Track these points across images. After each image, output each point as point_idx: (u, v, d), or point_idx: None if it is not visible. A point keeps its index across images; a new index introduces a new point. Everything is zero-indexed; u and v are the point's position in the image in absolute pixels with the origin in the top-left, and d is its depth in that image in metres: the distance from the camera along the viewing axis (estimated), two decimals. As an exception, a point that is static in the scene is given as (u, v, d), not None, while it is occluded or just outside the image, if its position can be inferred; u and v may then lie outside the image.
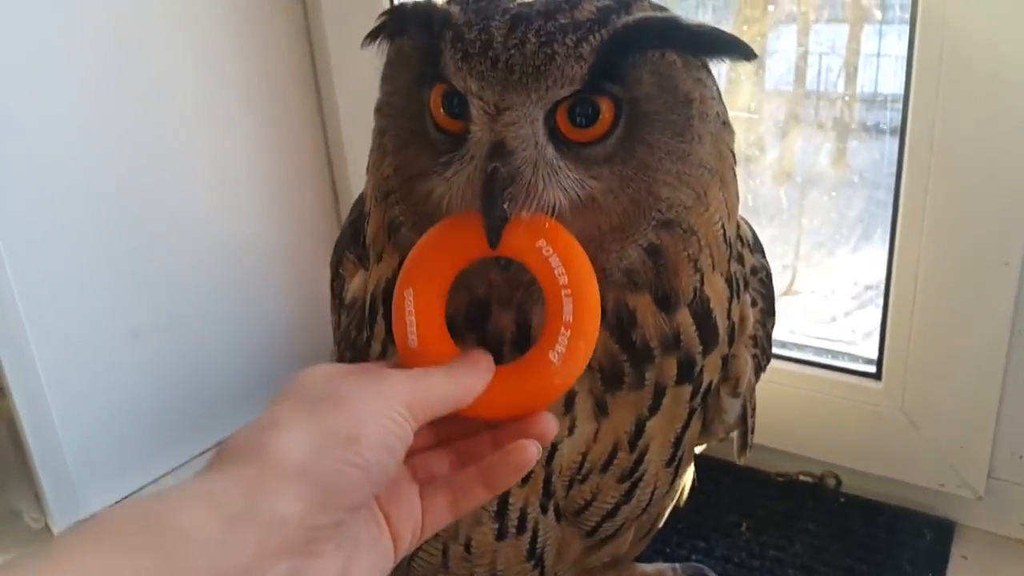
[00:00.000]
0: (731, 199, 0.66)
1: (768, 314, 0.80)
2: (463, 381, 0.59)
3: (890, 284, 1.05)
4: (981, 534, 1.09)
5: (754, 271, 0.78)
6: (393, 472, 0.54)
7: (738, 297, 0.72)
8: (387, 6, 1.29)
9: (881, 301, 1.09)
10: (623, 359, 0.65)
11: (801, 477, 1.19)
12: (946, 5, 0.90)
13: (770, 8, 1.31)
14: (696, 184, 0.62)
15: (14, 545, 1.21)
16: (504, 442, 0.61)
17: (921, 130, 0.96)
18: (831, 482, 1.18)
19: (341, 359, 0.76)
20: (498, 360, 0.62)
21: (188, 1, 1.26)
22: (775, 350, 1.15)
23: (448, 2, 0.60)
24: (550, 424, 0.61)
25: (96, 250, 1.19)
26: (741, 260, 0.74)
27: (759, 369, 0.81)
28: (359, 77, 1.40)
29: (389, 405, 0.53)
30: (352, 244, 0.78)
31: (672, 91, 0.59)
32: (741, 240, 0.75)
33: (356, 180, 1.50)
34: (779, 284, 1.39)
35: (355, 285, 0.76)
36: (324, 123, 1.49)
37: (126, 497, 1.28)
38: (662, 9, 0.62)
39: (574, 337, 0.58)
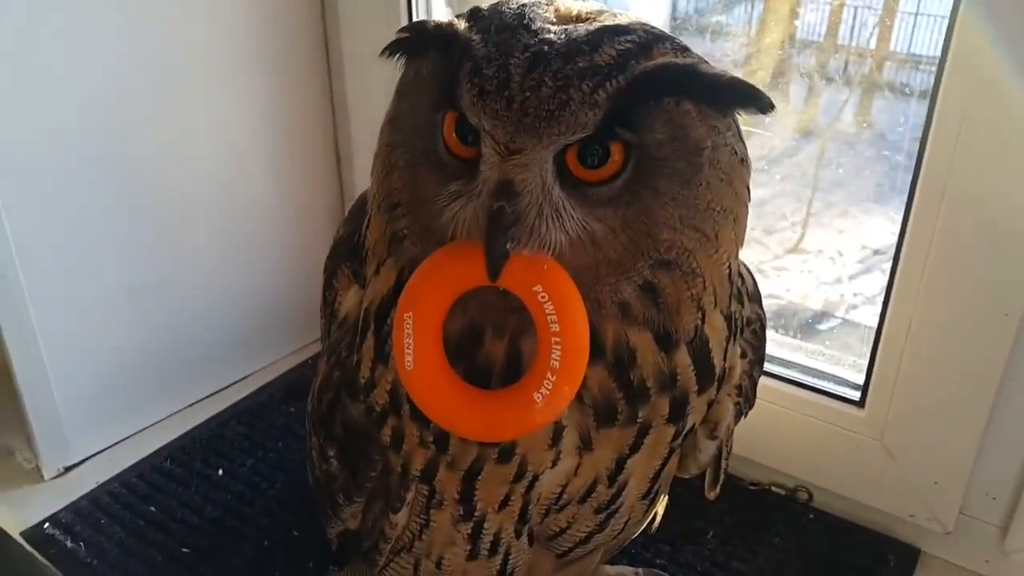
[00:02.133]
0: (740, 235, 0.66)
1: (757, 364, 0.81)
2: None
3: (884, 318, 1.04)
4: (945, 565, 1.11)
5: (748, 322, 0.78)
6: None
7: (734, 338, 0.73)
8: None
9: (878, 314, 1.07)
10: (619, 396, 0.66)
11: (773, 488, 1.21)
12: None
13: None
14: (705, 226, 0.62)
15: (7, 483, 1.24)
16: None
17: (933, 179, 0.94)
18: (803, 496, 1.20)
19: (329, 375, 0.76)
20: (485, 386, 0.64)
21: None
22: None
23: (470, 26, 0.59)
24: None
25: (95, 207, 1.19)
26: (741, 300, 0.74)
27: (740, 415, 0.82)
28: (367, 48, 1.36)
29: None
30: (349, 258, 0.77)
31: (683, 139, 0.59)
32: (743, 281, 0.75)
33: (359, 148, 1.49)
34: (787, 241, 1.43)
35: (349, 303, 0.76)
36: (331, 91, 1.47)
37: (115, 445, 1.31)
38: (684, 51, 0.60)
39: (559, 382, 0.60)
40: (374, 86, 1.38)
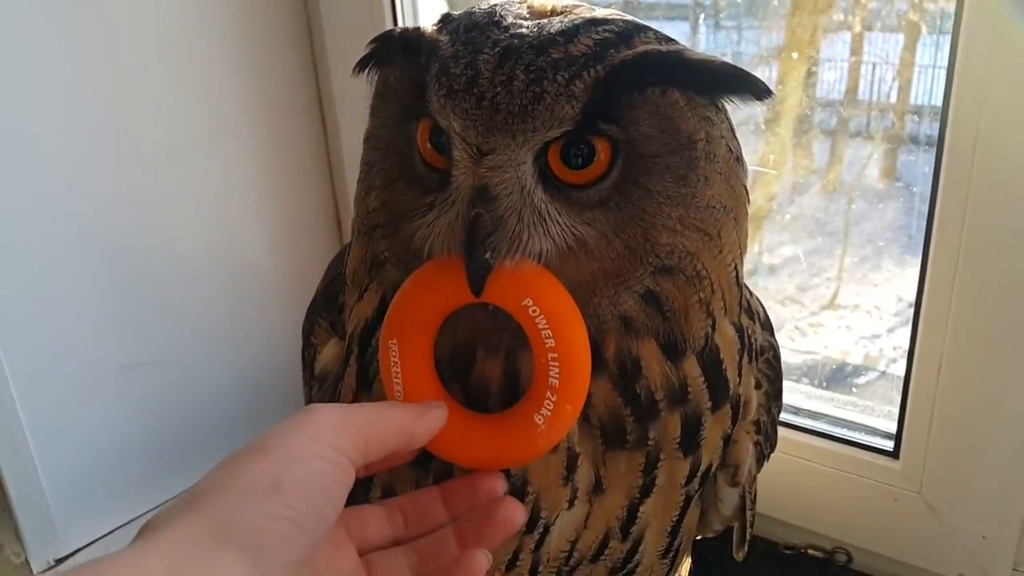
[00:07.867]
0: (743, 238, 0.62)
1: (774, 398, 0.75)
2: (412, 409, 0.56)
3: (913, 355, 0.98)
4: (1002, 628, 1.01)
5: (762, 350, 0.73)
6: (332, 520, 0.50)
7: (749, 357, 0.68)
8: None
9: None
10: (626, 413, 0.61)
11: (810, 551, 1.12)
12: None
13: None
14: (707, 225, 0.58)
15: (-6, 579, 1.18)
16: (467, 537, 0.59)
17: (954, 193, 0.89)
18: (841, 558, 1.11)
19: None
20: (483, 409, 0.61)
21: (184, 27, 1.22)
22: (787, 416, 1.09)
23: (439, 29, 0.57)
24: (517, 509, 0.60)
25: (80, 280, 1.15)
26: (752, 316, 0.70)
27: (762, 458, 0.76)
28: (364, 103, 1.36)
29: (319, 443, 0.50)
30: (325, 309, 0.74)
31: (674, 132, 0.56)
32: (751, 295, 0.72)
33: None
34: (822, 298, 1.43)
35: (327, 356, 0.72)
36: (328, 151, 1.45)
37: (108, 535, 1.24)
38: (668, 40, 0.57)
39: (560, 401, 0.57)
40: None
